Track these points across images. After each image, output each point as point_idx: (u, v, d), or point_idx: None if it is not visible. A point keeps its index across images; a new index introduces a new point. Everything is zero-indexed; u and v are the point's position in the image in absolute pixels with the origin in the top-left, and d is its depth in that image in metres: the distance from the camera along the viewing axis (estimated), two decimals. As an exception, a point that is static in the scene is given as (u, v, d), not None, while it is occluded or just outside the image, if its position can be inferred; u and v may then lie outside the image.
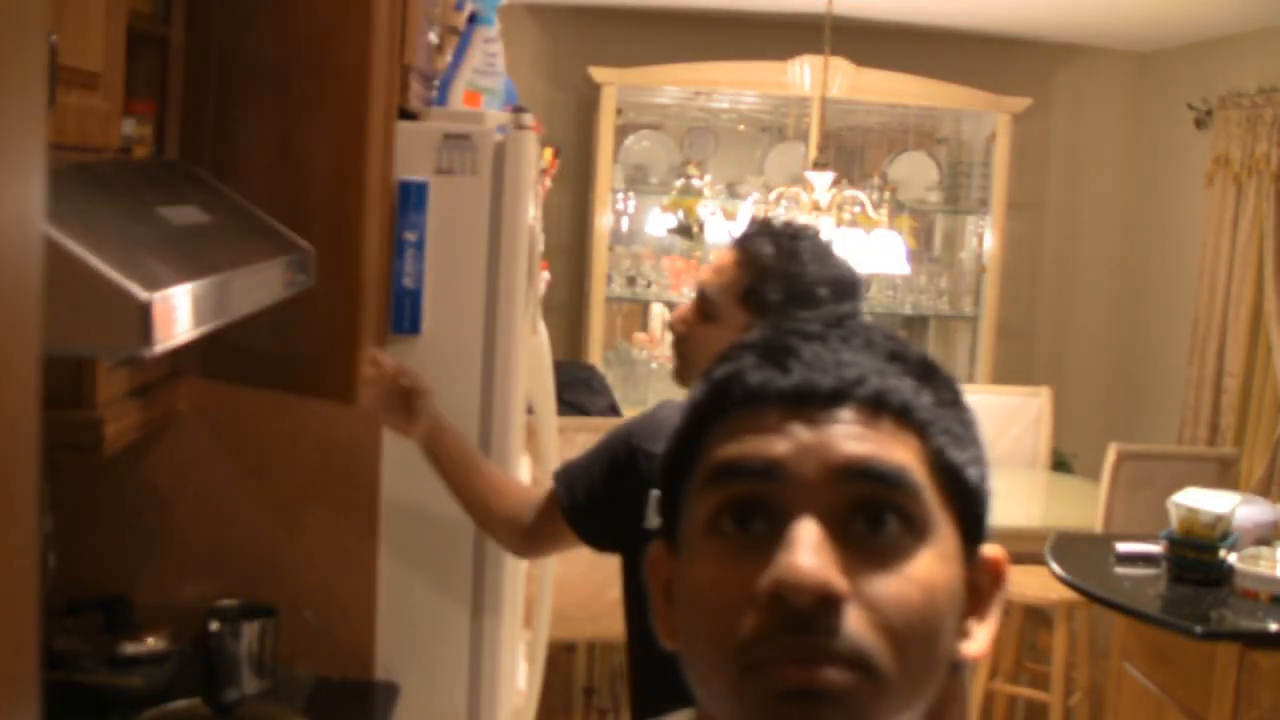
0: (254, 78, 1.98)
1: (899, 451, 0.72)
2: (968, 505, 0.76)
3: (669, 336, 1.93)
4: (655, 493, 1.82)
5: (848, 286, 1.81)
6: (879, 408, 0.73)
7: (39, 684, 0.77)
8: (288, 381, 2.05)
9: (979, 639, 0.77)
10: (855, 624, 0.69)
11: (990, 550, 0.78)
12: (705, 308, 1.83)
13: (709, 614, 0.71)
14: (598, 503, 1.94)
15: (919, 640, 0.71)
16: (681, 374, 1.89)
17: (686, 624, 0.74)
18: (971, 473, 0.77)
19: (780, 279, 1.78)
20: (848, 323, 0.77)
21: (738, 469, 0.72)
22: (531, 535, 2.03)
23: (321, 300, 1.97)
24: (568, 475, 2.00)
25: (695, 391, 0.78)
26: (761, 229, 1.85)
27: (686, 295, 5.06)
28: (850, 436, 0.71)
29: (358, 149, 1.97)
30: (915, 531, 0.72)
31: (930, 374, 0.77)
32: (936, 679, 0.73)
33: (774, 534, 0.70)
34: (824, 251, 1.82)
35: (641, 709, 1.94)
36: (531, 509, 2.02)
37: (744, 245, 1.84)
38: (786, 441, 0.71)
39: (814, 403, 0.72)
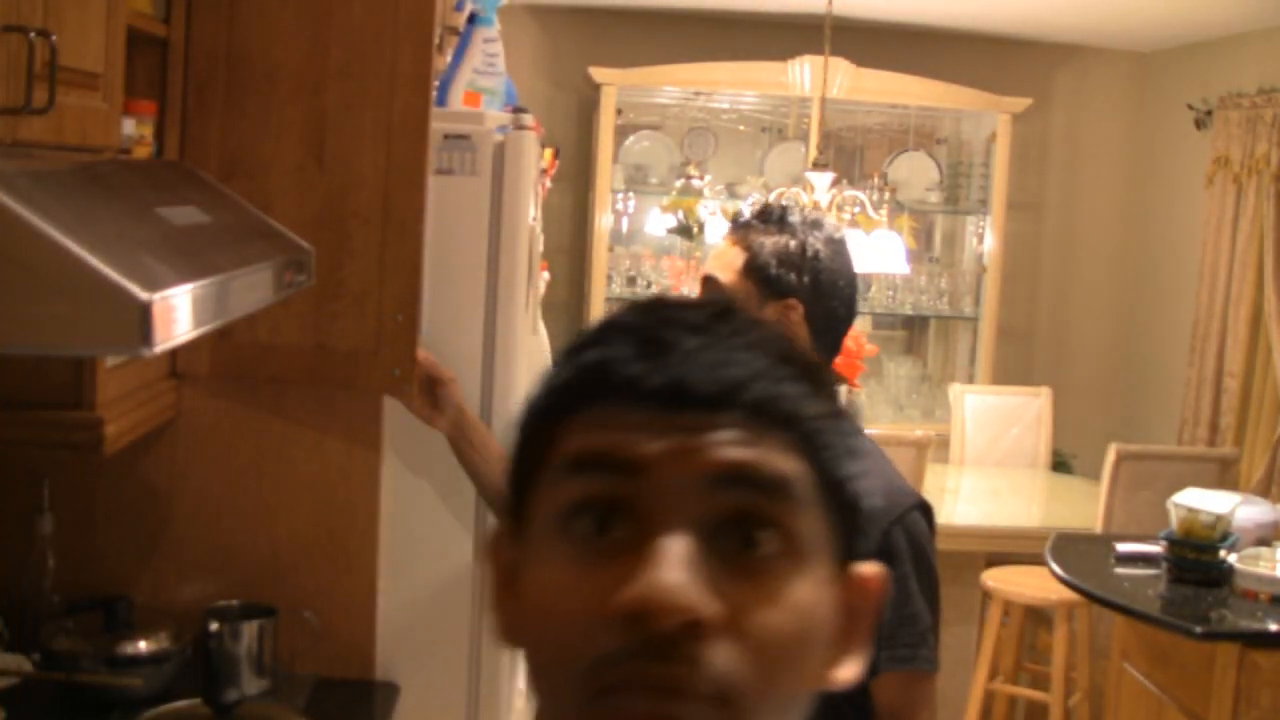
0: (278, 82, 1.99)
1: (783, 460, 0.65)
2: (848, 522, 0.70)
3: None
4: None
5: (839, 245, 1.86)
6: (763, 414, 0.66)
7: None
8: (324, 377, 2.07)
9: (851, 666, 0.70)
10: (723, 654, 0.62)
11: (867, 569, 0.71)
12: (712, 289, 1.87)
13: (558, 625, 0.64)
14: None
15: (788, 672, 0.65)
16: None
17: (532, 629, 0.67)
18: (852, 488, 0.70)
19: (774, 244, 1.83)
20: (733, 315, 0.69)
21: (600, 462, 0.65)
22: None
23: (367, 296, 2.01)
24: None
25: (559, 368, 0.70)
26: (751, 215, 1.91)
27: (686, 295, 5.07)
28: (730, 440, 0.64)
29: (412, 150, 1.99)
30: (794, 551, 0.65)
31: (818, 381, 0.70)
32: (800, 708, 0.67)
33: (636, 542, 0.63)
34: (812, 218, 1.87)
35: None
36: None
37: (736, 229, 1.90)
38: (658, 440, 0.64)
39: (692, 404, 0.65)
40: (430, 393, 2.05)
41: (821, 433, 0.68)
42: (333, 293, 2.01)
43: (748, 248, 1.84)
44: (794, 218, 1.85)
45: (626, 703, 0.62)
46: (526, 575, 0.67)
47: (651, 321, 0.68)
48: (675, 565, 0.62)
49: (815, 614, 0.66)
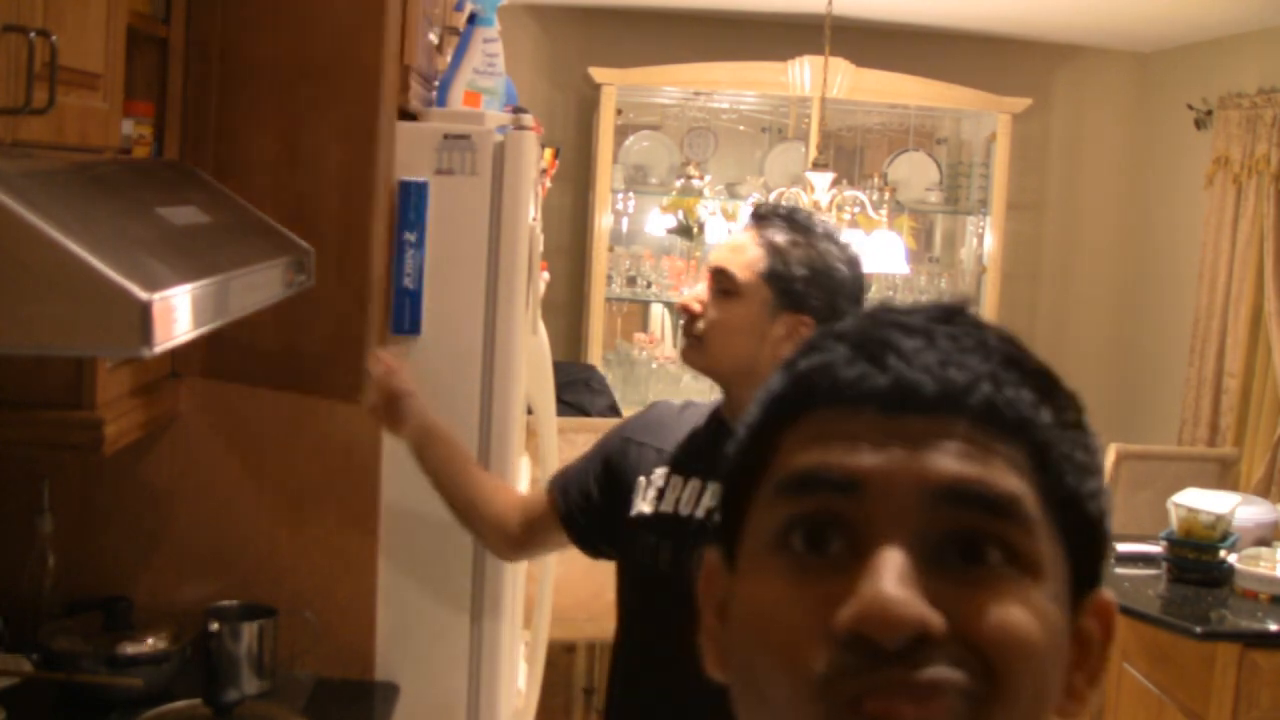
0: (260, 78, 1.98)
1: (1010, 477, 0.61)
2: (1084, 543, 0.65)
3: (679, 320, 1.92)
4: (642, 479, 1.84)
5: (856, 266, 1.85)
6: (990, 422, 0.62)
7: None
8: (293, 380, 2.06)
9: (1084, 697, 0.65)
10: (954, 664, 0.58)
11: (1103, 595, 0.66)
12: (724, 284, 1.82)
13: (774, 643, 0.61)
14: (593, 505, 1.94)
15: (1025, 687, 0.60)
16: (693, 355, 1.85)
17: (742, 651, 0.63)
18: (1091, 506, 0.65)
19: (800, 256, 1.80)
20: (957, 317, 0.66)
21: (816, 480, 0.62)
22: (521, 540, 2.03)
23: (328, 300, 1.99)
24: (563, 480, 2.00)
25: (773, 383, 0.67)
26: (773, 211, 1.87)
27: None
28: (953, 453, 0.61)
29: (367, 149, 1.98)
30: (1021, 568, 0.61)
31: (1052, 388, 0.66)
32: None
33: (854, 559, 0.60)
34: (831, 230, 1.86)
35: (616, 711, 1.98)
36: (519, 514, 2.01)
37: (761, 226, 1.85)
38: (877, 453, 0.61)
39: (914, 408, 0.61)
40: (392, 405, 2.01)
41: (1054, 444, 0.63)
42: (299, 295, 1.99)
43: (772, 252, 1.80)
44: (819, 229, 1.82)
45: (871, 706, 0.58)
46: (738, 598, 0.65)
47: (869, 325, 0.65)
48: (897, 578, 0.59)
49: (1046, 629, 0.61)
